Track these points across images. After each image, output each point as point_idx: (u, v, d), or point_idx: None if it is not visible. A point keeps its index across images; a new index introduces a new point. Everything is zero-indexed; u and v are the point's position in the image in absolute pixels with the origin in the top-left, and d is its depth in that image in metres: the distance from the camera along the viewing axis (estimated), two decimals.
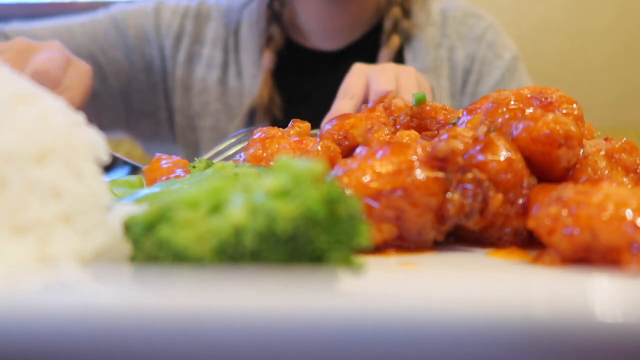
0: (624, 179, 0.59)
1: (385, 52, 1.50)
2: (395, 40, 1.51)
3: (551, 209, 0.49)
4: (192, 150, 1.56)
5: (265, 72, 1.49)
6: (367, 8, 1.55)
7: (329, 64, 1.54)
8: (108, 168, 0.88)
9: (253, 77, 1.51)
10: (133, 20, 1.55)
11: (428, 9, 1.58)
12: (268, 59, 1.50)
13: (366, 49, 1.55)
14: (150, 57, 1.56)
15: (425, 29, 1.55)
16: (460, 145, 0.55)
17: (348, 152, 0.71)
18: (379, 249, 0.55)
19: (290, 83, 1.53)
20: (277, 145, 0.71)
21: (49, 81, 0.97)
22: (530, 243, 0.55)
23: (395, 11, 1.54)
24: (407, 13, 1.57)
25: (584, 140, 0.60)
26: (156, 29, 1.55)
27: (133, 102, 1.58)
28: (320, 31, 1.55)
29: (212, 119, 1.53)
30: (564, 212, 0.48)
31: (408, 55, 1.52)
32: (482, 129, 0.56)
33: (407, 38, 1.53)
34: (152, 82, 1.57)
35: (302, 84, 1.54)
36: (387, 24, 1.54)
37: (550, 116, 0.57)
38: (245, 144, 0.99)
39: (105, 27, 1.53)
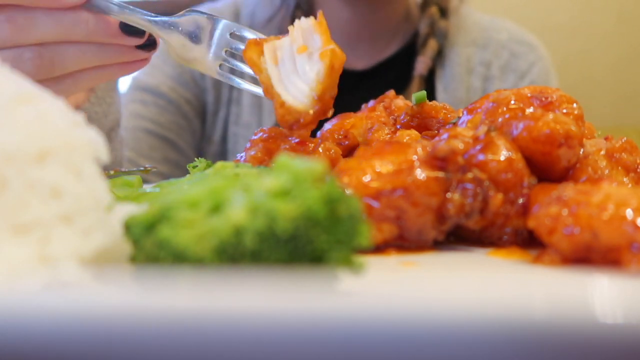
0: (624, 179, 0.59)
1: (422, 60, 1.38)
2: (432, 45, 1.38)
3: (551, 209, 0.49)
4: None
5: None
6: (395, 17, 1.43)
7: (356, 83, 1.43)
8: None
9: None
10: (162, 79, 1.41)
11: (461, 15, 1.45)
12: None
13: (395, 68, 1.43)
14: (194, 97, 1.45)
15: (461, 49, 1.40)
16: (460, 145, 0.55)
17: (348, 152, 0.71)
18: (379, 248, 0.55)
19: None
20: (278, 147, 0.71)
21: None
22: (530, 243, 0.55)
23: (432, 11, 1.42)
24: (444, 12, 1.44)
25: (584, 140, 0.60)
26: (180, 67, 1.44)
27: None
28: (345, 44, 1.41)
29: (231, 141, 1.43)
30: (564, 212, 0.48)
31: (439, 85, 1.39)
32: (483, 129, 0.56)
33: (443, 40, 1.39)
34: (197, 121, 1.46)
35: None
36: (423, 27, 1.42)
37: (551, 116, 0.57)
38: None
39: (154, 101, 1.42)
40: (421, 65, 1.38)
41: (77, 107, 0.96)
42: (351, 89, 1.41)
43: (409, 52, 1.44)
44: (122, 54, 0.77)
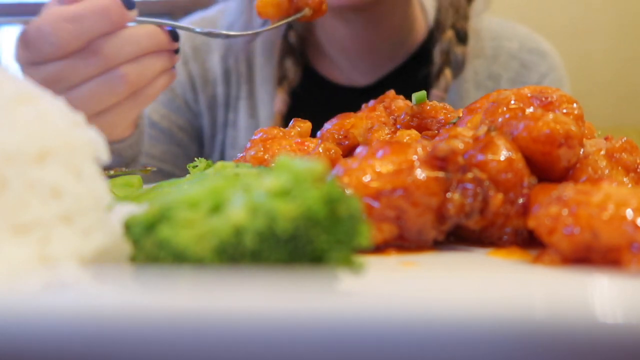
0: (624, 179, 0.59)
1: (436, 93, 1.23)
2: (447, 75, 1.23)
3: (551, 209, 0.49)
4: None
5: (276, 116, 1.28)
6: (395, 31, 1.31)
7: (358, 101, 1.36)
8: None
9: (270, 118, 1.30)
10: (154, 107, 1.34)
11: (479, 33, 1.30)
12: (280, 101, 1.28)
13: (399, 82, 1.30)
14: (188, 122, 1.37)
15: (469, 62, 1.27)
16: (460, 145, 0.55)
17: (348, 152, 0.72)
18: (379, 248, 0.55)
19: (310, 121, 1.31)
20: (278, 147, 0.71)
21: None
22: (530, 243, 0.55)
23: (449, 35, 1.24)
24: (462, 37, 1.25)
25: (584, 140, 0.60)
26: (171, 92, 1.36)
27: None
28: (346, 60, 1.34)
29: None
30: (565, 212, 0.48)
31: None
32: (483, 129, 0.56)
33: (459, 69, 1.24)
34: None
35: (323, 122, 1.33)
36: (437, 55, 1.24)
37: (551, 116, 0.57)
38: None
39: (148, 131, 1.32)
40: (435, 99, 1.26)
41: (123, 138, 0.99)
42: (355, 105, 1.36)
43: (413, 64, 1.34)
44: (172, 59, 0.86)
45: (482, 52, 1.31)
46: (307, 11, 0.99)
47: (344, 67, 1.36)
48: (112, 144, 0.96)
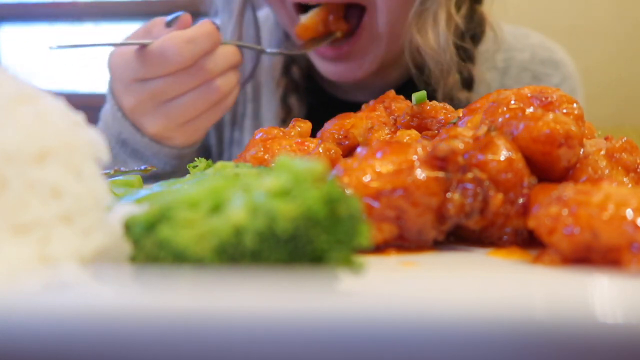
0: (624, 179, 0.59)
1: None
2: None
3: (551, 209, 0.49)
4: None
5: None
6: (400, 62, 1.22)
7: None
8: None
9: None
10: None
11: (487, 80, 1.21)
12: None
13: (409, 92, 1.21)
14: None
15: (481, 76, 1.19)
16: (460, 145, 0.55)
17: (348, 152, 0.71)
18: (379, 248, 0.55)
19: None
20: (278, 147, 0.71)
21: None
22: (530, 243, 0.55)
23: (451, 82, 1.13)
24: (468, 83, 1.16)
25: (585, 140, 0.60)
26: None
27: None
28: (349, 89, 1.29)
29: None
30: (565, 212, 0.48)
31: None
32: (483, 129, 0.56)
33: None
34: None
35: None
36: (439, 98, 1.12)
37: (551, 116, 0.57)
38: None
39: None
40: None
41: (195, 144, 1.08)
42: None
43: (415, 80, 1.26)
44: (239, 74, 1.01)
45: (494, 65, 1.26)
46: (338, 34, 1.08)
47: (350, 90, 1.32)
48: (186, 148, 1.05)
